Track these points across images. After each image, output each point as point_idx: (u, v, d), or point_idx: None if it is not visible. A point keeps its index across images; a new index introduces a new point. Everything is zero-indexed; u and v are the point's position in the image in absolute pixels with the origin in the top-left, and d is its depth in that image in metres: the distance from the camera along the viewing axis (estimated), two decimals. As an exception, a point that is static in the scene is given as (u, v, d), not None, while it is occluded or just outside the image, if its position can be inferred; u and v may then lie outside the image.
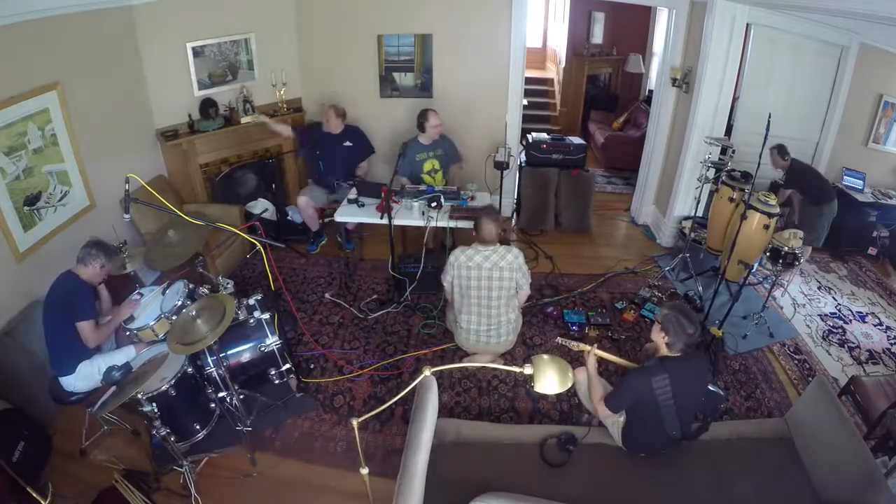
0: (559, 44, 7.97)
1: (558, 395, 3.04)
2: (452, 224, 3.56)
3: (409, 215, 3.66)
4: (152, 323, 2.74)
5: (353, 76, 4.75)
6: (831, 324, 3.81)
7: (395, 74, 4.73)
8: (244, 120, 4.38)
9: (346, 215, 3.82)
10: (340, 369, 3.31)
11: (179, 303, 2.81)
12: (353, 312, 3.81)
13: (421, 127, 4.04)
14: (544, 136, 5.04)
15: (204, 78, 4.24)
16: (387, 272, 3.98)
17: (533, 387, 1.62)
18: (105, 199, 3.56)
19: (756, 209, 3.38)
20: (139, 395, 2.22)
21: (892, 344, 3.62)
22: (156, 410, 2.29)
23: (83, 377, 2.60)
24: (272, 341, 2.77)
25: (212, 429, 2.78)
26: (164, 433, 2.32)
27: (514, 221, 5.09)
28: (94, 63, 3.44)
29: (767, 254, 3.35)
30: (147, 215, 3.63)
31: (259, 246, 2.53)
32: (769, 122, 2.92)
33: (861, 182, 4.68)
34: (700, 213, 4.14)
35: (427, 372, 1.60)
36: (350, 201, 3.85)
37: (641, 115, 6.85)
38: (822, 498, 2.22)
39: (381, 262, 4.27)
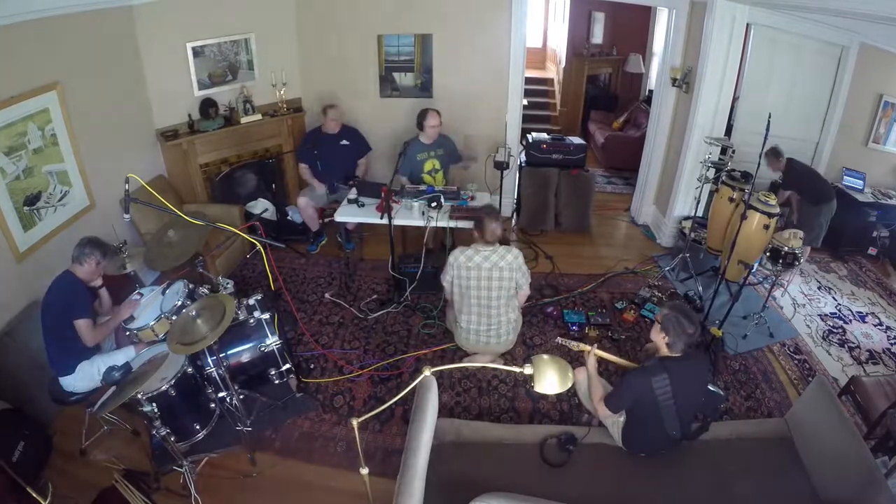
0: (559, 44, 7.97)
1: (558, 395, 3.04)
2: (452, 224, 3.56)
3: (409, 215, 3.66)
4: (152, 323, 2.74)
5: (353, 76, 4.76)
6: (831, 324, 3.81)
7: (395, 74, 4.73)
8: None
9: (346, 215, 3.82)
10: (340, 369, 3.31)
11: (179, 303, 2.81)
12: (353, 312, 3.81)
13: (420, 126, 4.04)
14: (544, 136, 5.04)
15: (204, 78, 4.24)
16: (387, 272, 3.98)
17: (533, 387, 1.61)
18: (105, 199, 3.56)
19: (756, 209, 3.38)
20: (139, 395, 2.22)
21: (892, 344, 3.62)
22: (156, 410, 2.29)
23: (83, 377, 2.60)
24: (272, 341, 2.77)
25: (212, 429, 2.78)
26: (164, 433, 2.32)
27: (514, 221, 5.08)
28: (94, 63, 3.44)
29: (767, 254, 3.35)
30: (147, 215, 3.63)
31: (259, 246, 2.53)
32: (769, 122, 2.92)
33: (861, 182, 4.68)
34: (700, 213, 4.14)
35: (427, 372, 1.60)
36: (350, 201, 3.85)
37: (641, 115, 6.85)
38: (822, 498, 2.22)
39: (381, 262, 4.27)
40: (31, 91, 2.95)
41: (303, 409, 3.00)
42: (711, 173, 3.83)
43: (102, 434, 2.77)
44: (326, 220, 4.51)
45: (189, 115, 4.22)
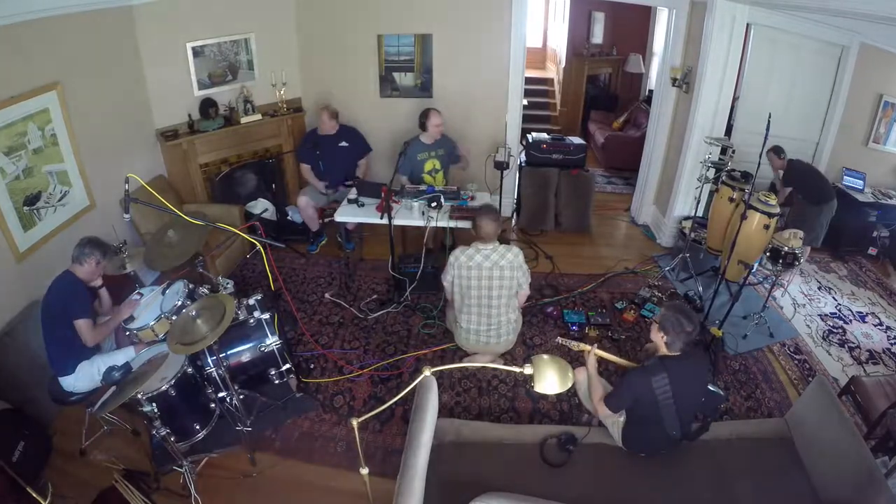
0: (559, 44, 7.97)
1: (558, 395, 3.04)
2: (452, 224, 3.56)
3: (409, 215, 3.66)
4: (152, 323, 2.74)
5: (353, 76, 4.76)
6: (831, 324, 3.81)
7: (395, 74, 4.73)
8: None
9: (346, 215, 3.82)
10: (340, 369, 3.31)
11: (179, 303, 2.81)
12: (353, 312, 3.81)
13: (423, 126, 4.03)
14: (544, 136, 5.04)
15: (204, 78, 4.24)
16: (387, 272, 3.98)
17: (533, 387, 1.61)
18: (105, 199, 3.56)
19: (756, 209, 3.38)
20: (139, 395, 2.22)
21: (892, 344, 3.62)
22: (156, 410, 2.29)
23: (83, 377, 2.60)
24: (272, 341, 2.77)
25: (212, 429, 2.78)
26: (164, 433, 2.32)
27: (514, 221, 5.09)
28: (94, 63, 3.44)
29: (767, 254, 3.35)
30: (147, 215, 3.63)
31: (259, 246, 2.53)
32: (769, 122, 2.92)
33: (861, 182, 4.68)
34: (700, 213, 4.14)
35: (427, 372, 1.60)
36: (350, 201, 3.85)
37: (641, 115, 6.85)
38: (822, 498, 2.22)
39: (381, 262, 4.27)
40: (31, 91, 2.95)
41: (303, 409, 3.00)
42: (711, 173, 3.83)
43: (102, 434, 2.77)
44: (326, 220, 4.50)
45: (189, 115, 4.22)
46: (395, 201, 3.66)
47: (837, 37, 4.39)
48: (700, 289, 3.98)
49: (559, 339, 2.74)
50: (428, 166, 4.14)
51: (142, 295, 2.92)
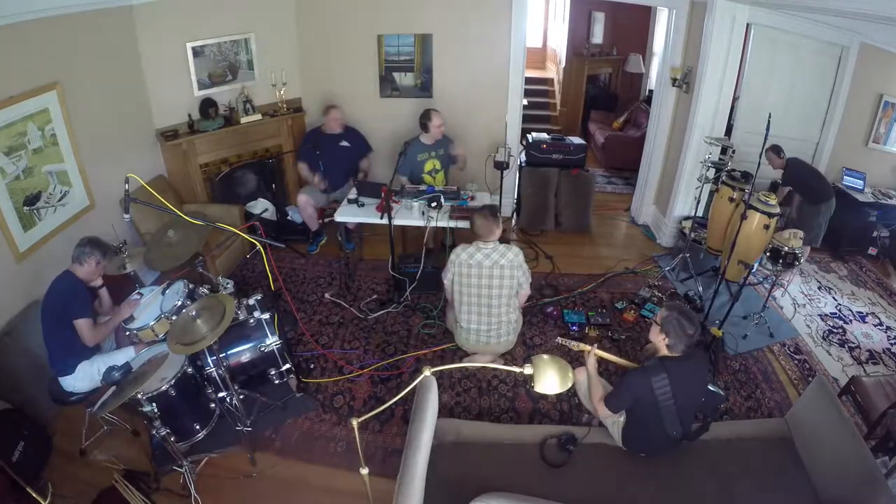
0: (559, 44, 7.97)
1: (558, 395, 3.04)
2: (452, 224, 3.56)
3: (409, 215, 3.66)
4: (152, 323, 2.74)
5: (353, 76, 4.75)
6: (831, 324, 3.81)
7: (395, 74, 4.73)
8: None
9: (346, 215, 3.82)
10: (340, 369, 3.31)
11: (179, 303, 2.81)
12: (353, 312, 3.81)
13: (424, 127, 4.03)
14: (544, 136, 5.04)
15: (204, 78, 4.24)
16: (387, 272, 3.98)
17: (533, 387, 1.61)
18: (105, 199, 3.56)
19: (756, 209, 3.38)
20: (139, 395, 2.22)
21: (892, 344, 3.62)
22: (156, 410, 2.29)
23: (83, 377, 2.60)
24: (272, 341, 2.77)
25: (212, 429, 2.79)
26: (164, 433, 2.32)
27: (514, 221, 5.08)
28: (94, 63, 3.44)
29: (767, 254, 3.35)
30: (147, 215, 3.63)
31: (259, 246, 2.53)
32: (769, 122, 2.92)
33: (861, 182, 4.68)
34: (700, 213, 4.14)
35: (427, 372, 1.59)
36: (350, 201, 3.85)
37: (641, 115, 6.85)
38: (822, 498, 2.22)
39: (381, 262, 4.27)
40: (31, 91, 2.95)
41: (303, 409, 3.00)
42: (711, 173, 3.83)
43: (102, 434, 2.77)
44: (326, 219, 4.51)
45: (189, 115, 4.22)
46: (395, 201, 3.66)
47: (837, 37, 4.39)
48: (700, 289, 3.98)
49: (559, 340, 2.74)
50: (428, 166, 4.14)
51: (142, 295, 2.92)
